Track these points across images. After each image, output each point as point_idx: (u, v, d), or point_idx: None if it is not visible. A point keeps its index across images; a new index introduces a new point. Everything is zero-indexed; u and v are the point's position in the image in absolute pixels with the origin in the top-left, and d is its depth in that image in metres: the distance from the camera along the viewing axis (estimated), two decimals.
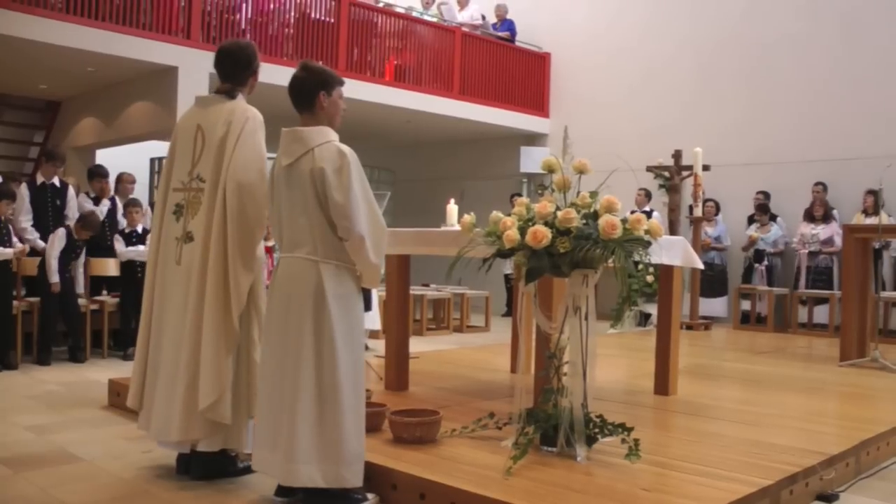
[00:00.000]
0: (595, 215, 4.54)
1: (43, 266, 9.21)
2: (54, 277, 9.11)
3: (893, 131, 12.83)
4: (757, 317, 13.33)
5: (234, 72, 4.67)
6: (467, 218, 4.94)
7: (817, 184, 13.14)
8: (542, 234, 4.43)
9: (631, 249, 4.47)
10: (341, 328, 3.99)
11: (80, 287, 9.66)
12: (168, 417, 4.43)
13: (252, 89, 4.77)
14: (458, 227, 5.42)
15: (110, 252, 9.97)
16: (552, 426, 4.70)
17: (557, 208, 4.59)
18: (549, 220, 4.53)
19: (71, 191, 10.07)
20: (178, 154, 4.69)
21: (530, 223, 4.58)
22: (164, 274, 4.60)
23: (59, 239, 9.22)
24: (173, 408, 4.39)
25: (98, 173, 10.50)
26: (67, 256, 9.29)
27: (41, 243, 9.47)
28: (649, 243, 4.59)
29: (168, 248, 4.61)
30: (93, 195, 10.32)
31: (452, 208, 6.58)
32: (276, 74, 12.11)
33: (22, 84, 13.69)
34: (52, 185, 9.88)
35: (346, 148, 4.04)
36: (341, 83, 4.29)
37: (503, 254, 4.69)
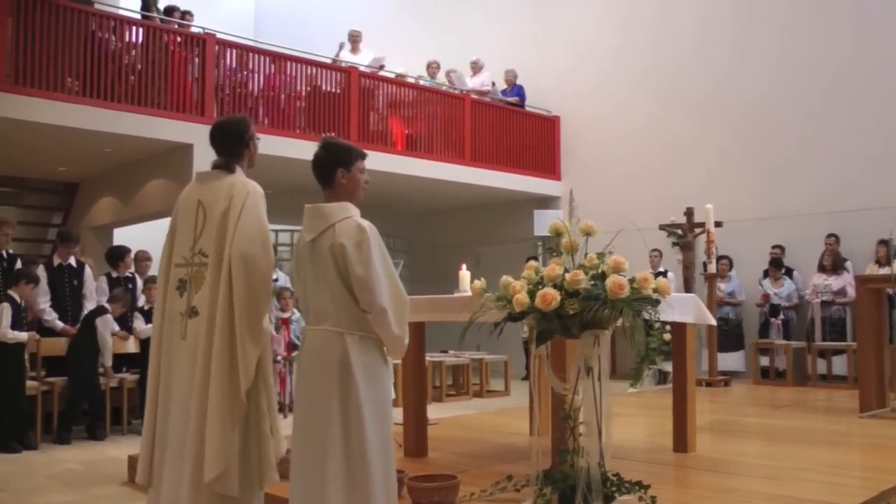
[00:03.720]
0: (603, 276, 4.60)
1: (75, 348, 9.38)
2: (109, 362, 9.68)
3: None
4: (776, 371, 13.29)
5: (226, 146, 4.68)
6: (478, 283, 5.01)
7: (829, 235, 13.20)
8: (550, 297, 4.48)
9: (639, 308, 4.51)
10: (368, 398, 4.02)
11: (109, 360, 9.80)
12: (176, 494, 4.37)
13: (252, 162, 4.77)
14: (470, 293, 5.47)
15: (131, 329, 10.20)
16: (569, 486, 4.70)
17: (566, 270, 4.65)
18: (558, 283, 4.59)
19: (88, 271, 10.22)
20: (179, 230, 4.69)
21: (539, 286, 4.63)
22: (170, 349, 4.57)
23: (109, 323, 9.62)
24: (181, 484, 4.33)
25: (119, 253, 10.69)
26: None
27: (59, 324, 9.64)
28: (658, 301, 4.63)
29: (173, 323, 4.58)
30: (115, 275, 10.48)
31: (465, 274, 6.63)
32: (289, 148, 12.35)
33: (41, 167, 13.95)
34: (69, 265, 10.04)
35: (365, 223, 4.09)
36: (362, 157, 4.35)
37: (514, 317, 4.74)
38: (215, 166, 4.68)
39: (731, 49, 15.12)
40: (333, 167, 4.23)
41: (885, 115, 13.31)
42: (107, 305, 9.76)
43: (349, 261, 3.99)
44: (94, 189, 14.80)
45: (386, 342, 4.13)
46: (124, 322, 10.26)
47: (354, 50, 15.52)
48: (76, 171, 14.45)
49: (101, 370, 9.63)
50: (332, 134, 4.79)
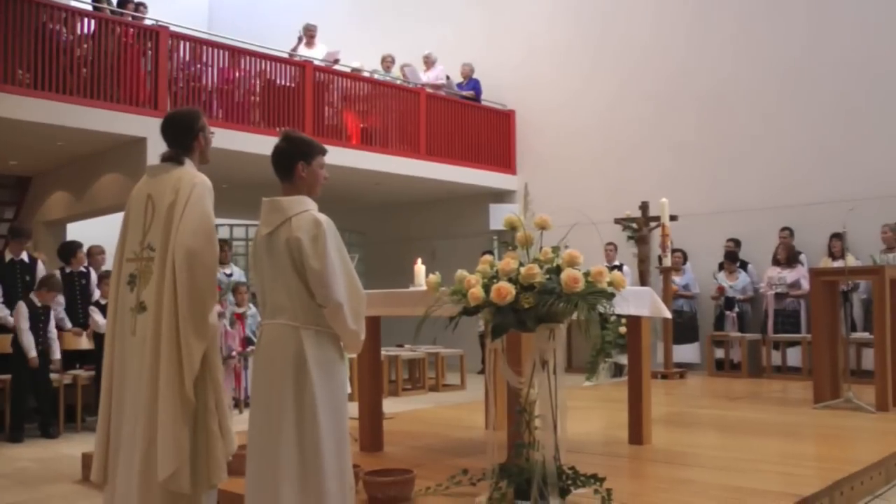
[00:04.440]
0: (558, 270, 4.60)
1: (17, 343, 9.23)
2: (31, 352, 9.15)
3: (854, 176, 13.06)
4: (731, 363, 13.41)
5: (176, 138, 4.62)
6: (433, 277, 4.99)
7: (783, 229, 13.36)
8: (505, 291, 4.48)
9: (594, 302, 4.52)
10: (322, 393, 4.00)
11: (57, 353, 9.63)
12: (129, 491, 4.32)
13: (203, 156, 4.70)
14: (425, 287, 5.46)
15: (84, 325, 10.10)
16: (525, 480, 4.71)
17: (521, 264, 4.64)
18: (513, 277, 4.59)
19: (40, 265, 10.11)
20: (130, 224, 4.62)
21: (494, 280, 4.63)
22: (122, 346, 4.50)
23: (22, 313, 9.27)
24: (131, 480, 4.29)
25: (73, 246, 10.59)
26: (35, 327, 9.31)
27: (11, 320, 9.50)
28: (612, 295, 4.64)
29: (124, 319, 4.51)
30: (68, 270, 10.38)
31: (420, 268, 6.62)
32: (244, 142, 12.26)
33: None
34: (21, 261, 9.92)
35: (322, 217, 4.06)
36: (322, 152, 4.32)
37: (469, 311, 4.73)
38: (164, 158, 4.60)
39: (686, 45, 15.21)
40: (294, 160, 4.19)
41: (838, 110, 13.46)
42: (32, 296, 9.58)
43: (305, 255, 3.96)
44: (46, 183, 14.62)
45: (342, 337, 4.11)
46: (75, 316, 10.16)
47: (310, 44, 15.41)
48: (28, 165, 14.27)
49: (51, 366, 9.53)
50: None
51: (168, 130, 4.64)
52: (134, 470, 4.27)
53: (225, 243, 12.69)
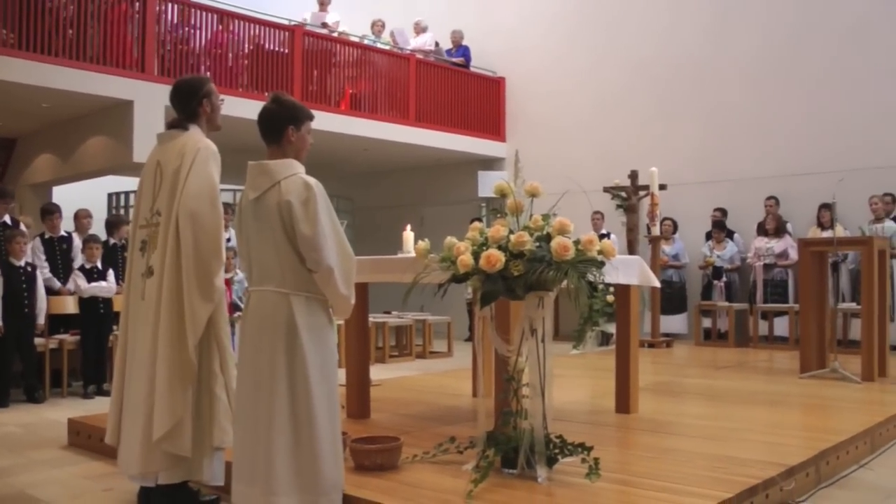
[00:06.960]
0: (548, 238, 4.57)
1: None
2: None
3: (843, 147, 13.06)
4: (718, 332, 13.44)
5: (181, 104, 4.70)
6: (422, 244, 4.97)
7: (769, 198, 13.34)
8: (495, 258, 4.45)
9: (584, 270, 4.50)
10: (314, 359, 3.98)
11: (41, 318, 9.49)
12: (130, 450, 4.40)
13: (211, 121, 4.76)
14: (414, 254, 5.43)
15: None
16: (512, 448, 4.70)
17: (511, 232, 4.62)
18: (503, 244, 4.56)
19: (23, 229, 9.98)
20: (142, 192, 4.72)
21: (484, 247, 4.60)
22: (134, 311, 4.60)
23: None
24: (135, 440, 4.37)
25: (47, 210, 10.46)
26: (18, 289, 9.20)
27: None
28: (602, 263, 4.62)
29: (135, 284, 4.62)
30: (47, 235, 10.26)
31: (409, 235, 6.59)
32: (232, 106, 12.08)
33: None
34: (4, 223, 9.81)
35: (312, 180, 4.02)
36: (310, 118, 4.28)
37: (458, 279, 4.70)
38: (169, 125, 4.72)
39: (676, 13, 15.14)
40: (285, 123, 4.14)
41: (828, 80, 13.44)
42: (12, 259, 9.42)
43: (296, 219, 3.93)
44: (31, 145, 14.50)
45: (332, 302, 4.09)
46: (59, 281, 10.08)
47: (322, 10, 15.39)
48: (13, 127, 14.14)
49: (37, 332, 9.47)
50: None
51: (174, 97, 4.75)
52: (137, 432, 4.33)
53: (229, 207, 12.64)
